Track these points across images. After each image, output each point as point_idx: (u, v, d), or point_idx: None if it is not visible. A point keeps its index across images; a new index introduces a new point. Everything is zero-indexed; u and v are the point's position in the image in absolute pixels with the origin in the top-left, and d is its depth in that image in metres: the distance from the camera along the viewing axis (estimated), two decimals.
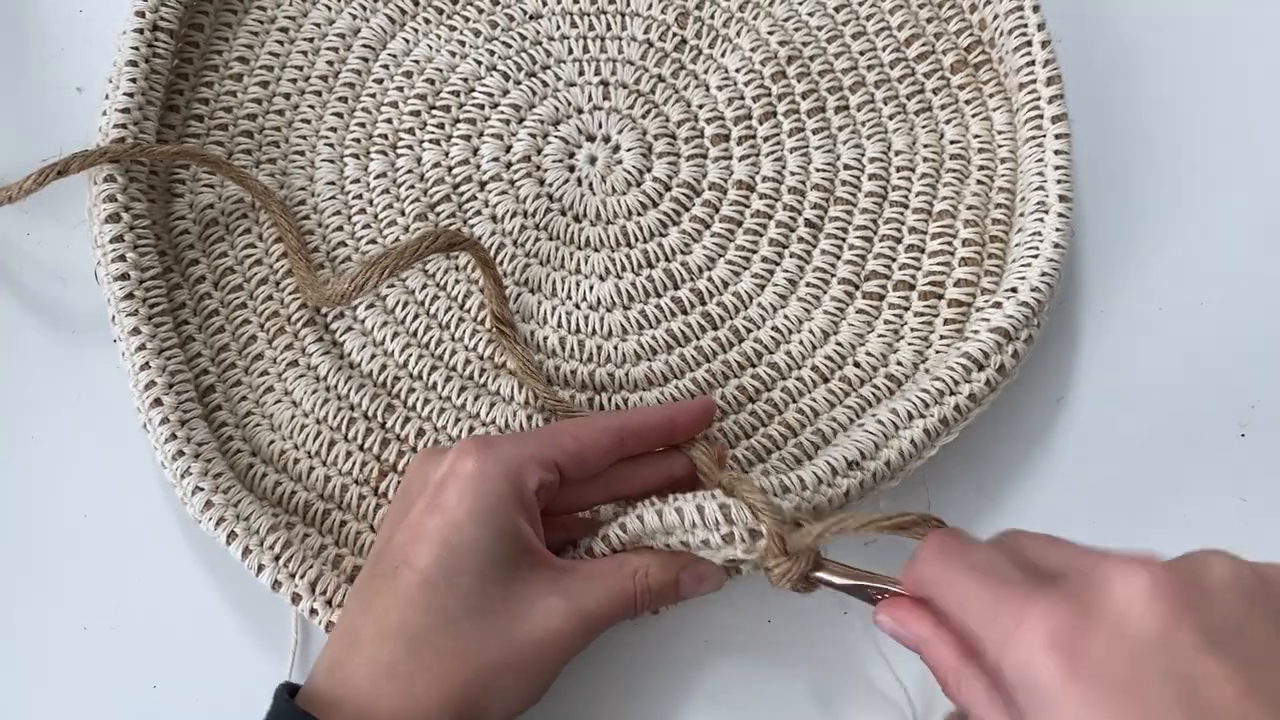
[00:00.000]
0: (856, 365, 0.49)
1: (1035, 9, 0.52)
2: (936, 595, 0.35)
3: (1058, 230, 0.48)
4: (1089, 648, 0.29)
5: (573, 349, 0.48)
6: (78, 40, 0.55)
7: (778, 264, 0.50)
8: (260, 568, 0.42)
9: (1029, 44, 0.52)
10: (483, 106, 0.52)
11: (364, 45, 0.53)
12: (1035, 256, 0.48)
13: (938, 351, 0.49)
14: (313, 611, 0.42)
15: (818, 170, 0.52)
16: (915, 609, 0.36)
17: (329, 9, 0.54)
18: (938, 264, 0.50)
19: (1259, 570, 0.30)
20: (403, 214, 0.50)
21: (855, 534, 0.38)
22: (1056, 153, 0.50)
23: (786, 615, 0.45)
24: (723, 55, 0.54)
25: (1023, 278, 0.47)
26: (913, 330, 0.49)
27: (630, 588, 0.40)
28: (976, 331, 0.47)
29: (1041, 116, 0.51)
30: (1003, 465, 0.48)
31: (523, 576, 0.38)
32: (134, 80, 0.49)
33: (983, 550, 0.34)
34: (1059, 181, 0.49)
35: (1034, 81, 0.51)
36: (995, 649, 0.31)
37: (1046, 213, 0.49)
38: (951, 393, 0.45)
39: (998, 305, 0.47)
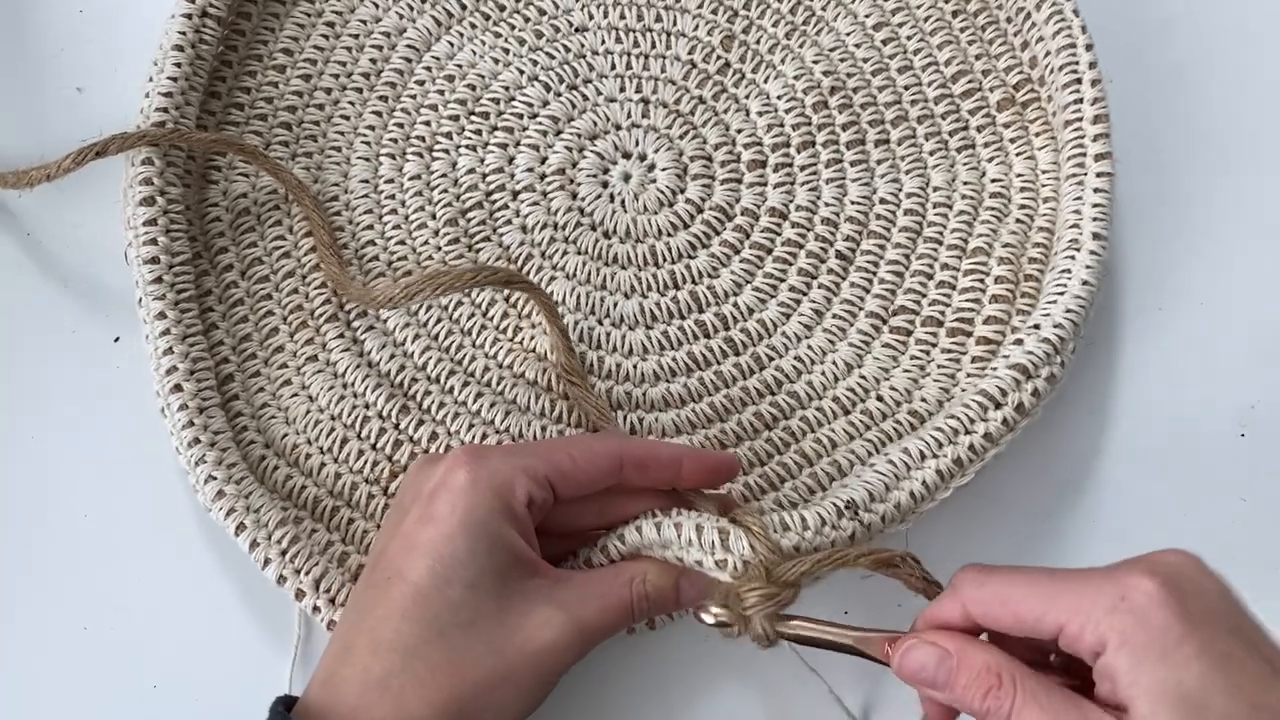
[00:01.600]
0: (879, 399, 0.48)
1: (1088, 48, 0.51)
2: (1002, 604, 0.35)
3: (1088, 268, 0.47)
4: (1187, 601, 0.32)
5: (593, 365, 0.48)
6: (78, 40, 0.55)
7: (805, 294, 0.50)
8: (267, 561, 0.42)
9: (1079, 82, 0.51)
10: (521, 116, 0.52)
11: (408, 46, 0.54)
12: (1062, 293, 0.47)
13: (963, 389, 0.48)
14: (315, 609, 0.42)
15: (853, 203, 0.52)
16: (951, 631, 0.36)
17: (376, 6, 0.54)
18: (968, 300, 0.50)
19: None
20: (434, 218, 0.51)
21: (854, 565, 0.37)
22: (1096, 190, 0.49)
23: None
24: (765, 81, 0.54)
25: (1047, 314, 0.47)
26: (939, 367, 0.49)
27: (627, 596, 0.39)
28: (996, 368, 0.46)
29: (1085, 154, 0.50)
30: (1002, 465, 0.47)
31: (517, 587, 0.38)
32: (179, 65, 0.49)
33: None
34: (1095, 219, 0.48)
35: (1080, 119, 0.50)
36: (1096, 621, 0.33)
37: (1079, 250, 0.48)
38: (966, 431, 0.44)
39: (1019, 342, 0.47)
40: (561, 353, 0.46)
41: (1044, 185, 0.52)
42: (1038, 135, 0.53)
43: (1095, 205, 0.49)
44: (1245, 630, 0.33)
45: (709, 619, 0.38)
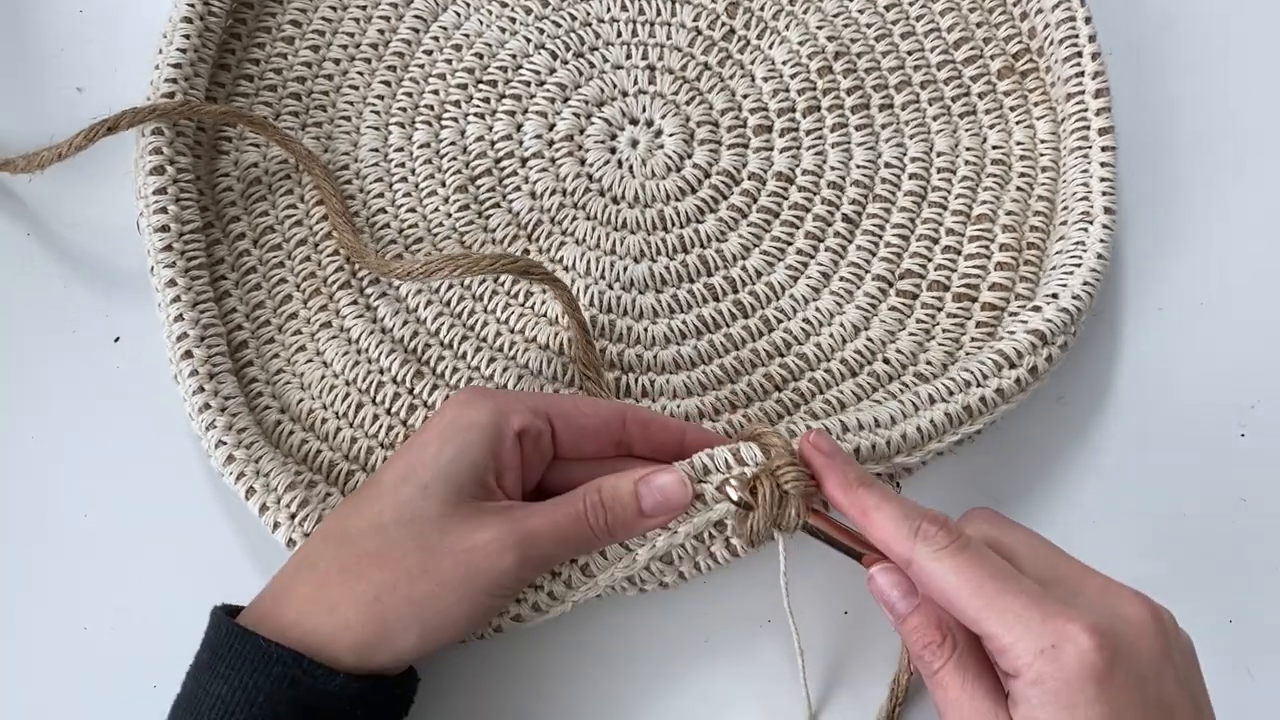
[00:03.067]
0: (886, 361, 0.49)
1: (1087, 20, 0.52)
2: (940, 594, 0.36)
3: (1101, 242, 0.48)
4: (1116, 664, 0.33)
5: (604, 328, 0.49)
6: (78, 40, 0.55)
7: (812, 257, 0.51)
8: (276, 525, 0.42)
9: (1079, 54, 0.52)
10: (529, 83, 0.53)
11: (415, 16, 0.54)
12: (1078, 265, 0.48)
13: (968, 353, 0.49)
14: None
15: (858, 167, 0.52)
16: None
17: None
18: (974, 267, 0.50)
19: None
20: (443, 185, 0.51)
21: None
22: (1102, 164, 0.50)
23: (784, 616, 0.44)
24: (770, 47, 0.54)
25: (1064, 285, 0.47)
26: (944, 331, 0.49)
27: (580, 505, 0.39)
28: (1013, 332, 0.47)
29: (1088, 127, 0.51)
30: (1002, 464, 0.48)
31: (469, 500, 0.38)
32: (188, 37, 0.49)
33: (992, 557, 0.36)
34: (1104, 193, 0.49)
35: (1082, 92, 0.51)
36: (1020, 653, 0.34)
37: (1091, 223, 0.49)
38: (979, 385, 0.45)
39: (1036, 309, 0.47)
40: (579, 346, 0.46)
41: (1042, 155, 0.53)
42: (1036, 105, 0.53)
43: (1103, 179, 0.49)
44: (1167, 701, 0.34)
45: (735, 494, 0.39)
